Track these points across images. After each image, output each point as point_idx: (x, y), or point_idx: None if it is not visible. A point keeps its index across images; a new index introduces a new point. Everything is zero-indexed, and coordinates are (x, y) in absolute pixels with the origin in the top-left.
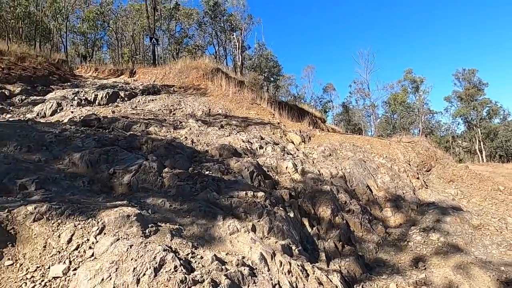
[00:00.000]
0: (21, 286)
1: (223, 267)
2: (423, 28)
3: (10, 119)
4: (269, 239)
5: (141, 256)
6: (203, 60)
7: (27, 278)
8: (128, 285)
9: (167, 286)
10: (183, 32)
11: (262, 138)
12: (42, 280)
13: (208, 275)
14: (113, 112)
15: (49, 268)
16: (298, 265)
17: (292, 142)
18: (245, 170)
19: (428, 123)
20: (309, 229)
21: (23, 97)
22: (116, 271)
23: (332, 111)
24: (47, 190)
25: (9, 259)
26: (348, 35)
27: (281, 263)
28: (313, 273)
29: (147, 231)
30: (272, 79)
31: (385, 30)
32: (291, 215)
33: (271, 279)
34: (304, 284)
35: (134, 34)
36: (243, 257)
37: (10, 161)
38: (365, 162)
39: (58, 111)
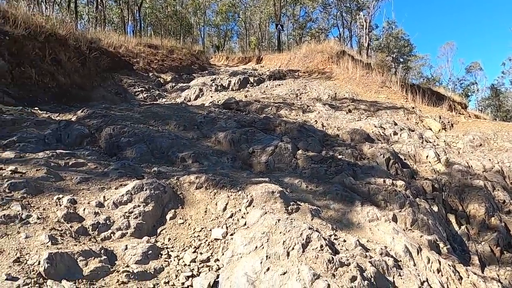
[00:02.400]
0: (191, 242)
1: (367, 253)
2: None
3: (166, 103)
4: (413, 232)
5: (288, 231)
6: (328, 43)
7: (195, 236)
8: (279, 256)
9: (315, 263)
10: (307, 16)
11: (395, 124)
12: (206, 240)
13: (353, 259)
14: (246, 96)
15: (210, 230)
16: (449, 265)
17: (430, 129)
18: (380, 157)
19: None
20: (456, 228)
21: (173, 84)
22: (268, 241)
23: (476, 95)
24: (200, 164)
25: (180, 218)
26: (503, 2)
27: (428, 259)
28: (468, 277)
29: (289, 208)
30: (401, 60)
31: None
32: (435, 209)
33: (419, 275)
34: (456, 287)
35: (261, 22)
36: (386, 247)
37: (173, 137)
38: None
39: (200, 96)
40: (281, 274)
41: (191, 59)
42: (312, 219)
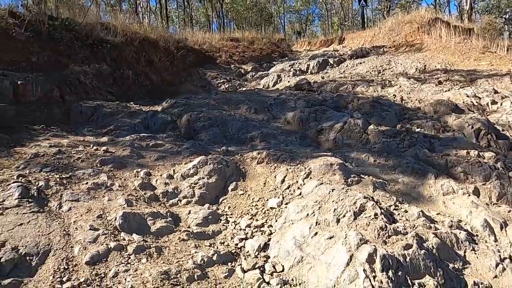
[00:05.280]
0: (248, 210)
1: (432, 225)
2: None
3: (241, 90)
4: (499, 206)
5: (341, 200)
6: (417, 13)
7: (252, 205)
8: (329, 223)
9: (365, 230)
10: None
11: (495, 92)
12: (263, 209)
13: (413, 229)
14: (322, 77)
15: (267, 200)
16: None
17: None
18: (468, 128)
19: None
20: None
21: (253, 73)
22: (319, 209)
23: None
24: (267, 142)
25: (241, 190)
26: None
27: None
28: None
29: (349, 180)
30: None
31: None
32: None
33: (499, 251)
34: None
35: (343, 1)
36: (460, 221)
37: (243, 119)
38: None
39: (278, 82)
40: (327, 238)
41: (271, 47)
42: (374, 191)
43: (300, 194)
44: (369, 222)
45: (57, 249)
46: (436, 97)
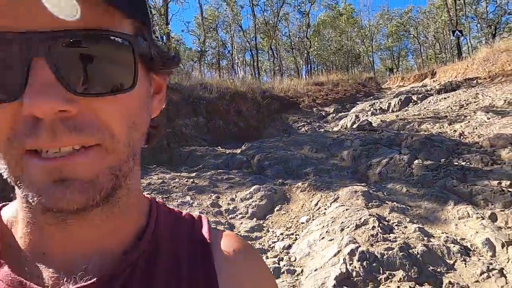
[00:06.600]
0: (285, 224)
1: (425, 238)
2: None
3: (307, 133)
4: None
5: (350, 216)
6: None
7: (289, 221)
8: (335, 231)
9: (360, 236)
10: (500, 9)
11: None
12: (296, 224)
13: (403, 239)
14: (397, 116)
15: (300, 218)
16: None
17: None
18: None
19: None
20: None
21: (334, 115)
22: (332, 223)
23: None
24: (319, 177)
25: (284, 210)
26: None
27: None
28: None
29: (369, 204)
30: None
31: None
32: None
33: (491, 264)
34: None
35: (437, 33)
36: (462, 239)
37: (303, 158)
38: None
39: (356, 121)
40: (328, 240)
41: (356, 88)
42: (389, 213)
43: (324, 213)
44: (364, 231)
45: None
46: (501, 131)
